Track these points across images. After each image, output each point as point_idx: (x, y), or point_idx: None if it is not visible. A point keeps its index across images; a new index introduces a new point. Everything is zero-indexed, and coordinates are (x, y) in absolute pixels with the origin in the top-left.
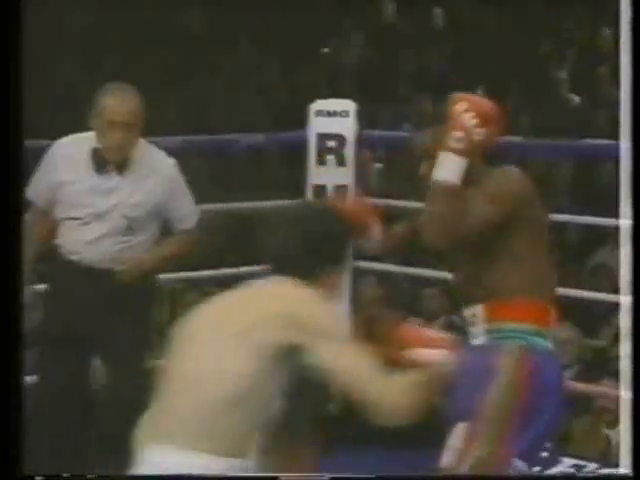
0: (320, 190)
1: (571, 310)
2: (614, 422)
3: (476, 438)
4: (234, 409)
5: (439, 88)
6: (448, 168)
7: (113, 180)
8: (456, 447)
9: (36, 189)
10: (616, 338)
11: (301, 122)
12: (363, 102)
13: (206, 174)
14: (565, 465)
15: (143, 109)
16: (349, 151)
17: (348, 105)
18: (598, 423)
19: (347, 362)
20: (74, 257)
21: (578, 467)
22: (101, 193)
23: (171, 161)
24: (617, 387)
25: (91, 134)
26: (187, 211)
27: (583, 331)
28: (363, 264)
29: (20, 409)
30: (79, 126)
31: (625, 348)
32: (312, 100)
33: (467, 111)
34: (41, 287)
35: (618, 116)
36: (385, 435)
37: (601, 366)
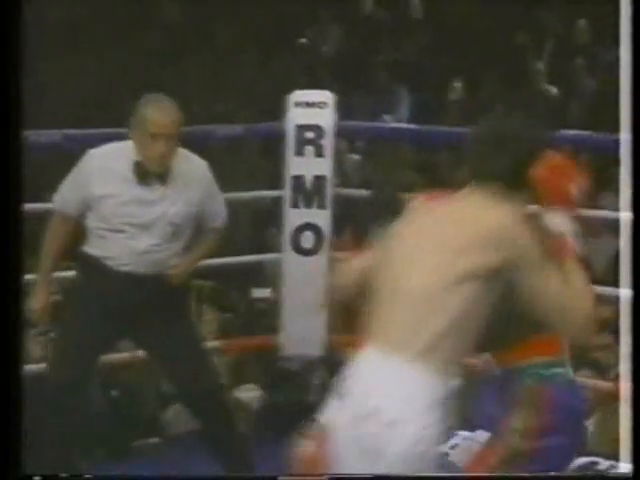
0: (298, 181)
1: None
2: (591, 412)
3: (496, 455)
4: (451, 329)
5: (417, 79)
6: None
7: (157, 191)
8: (473, 449)
9: (68, 200)
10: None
11: (279, 113)
12: (341, 93)
13: None
14: None
15: (181, 118)
16: (327, 142)
17: (326, 96)
18: None
19: (553, 282)
20: (124, 268)
21: None
22: (146, 204)
23: (205, 163)
24: (596, 377)
25: (126, 144)
26: (220, 210)
27: None
28: None
29: (20, 409)
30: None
31: (625, 345)
32: (290, 91)
33: None
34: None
35: (595, 107)
36: None
37: (581, 357)
